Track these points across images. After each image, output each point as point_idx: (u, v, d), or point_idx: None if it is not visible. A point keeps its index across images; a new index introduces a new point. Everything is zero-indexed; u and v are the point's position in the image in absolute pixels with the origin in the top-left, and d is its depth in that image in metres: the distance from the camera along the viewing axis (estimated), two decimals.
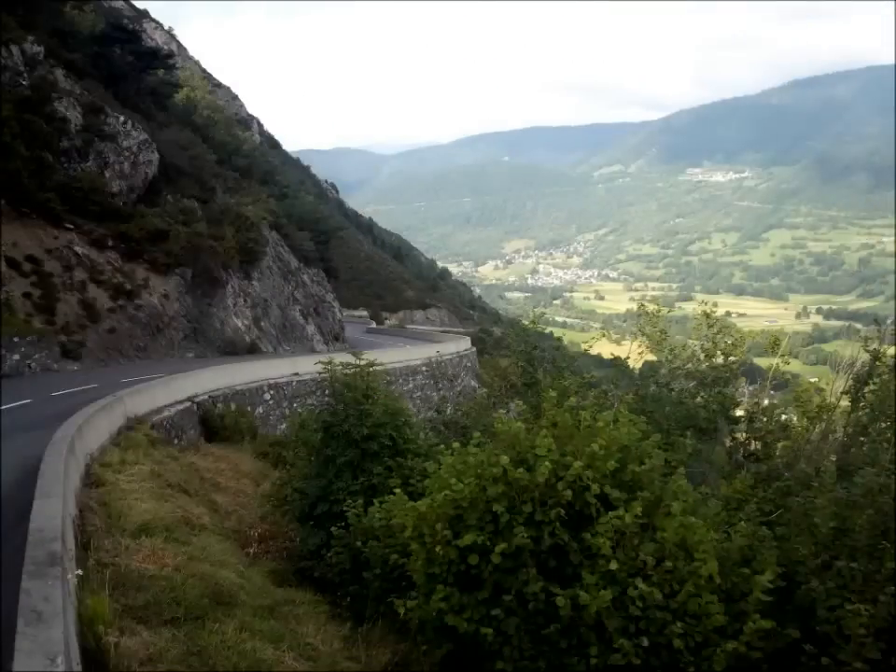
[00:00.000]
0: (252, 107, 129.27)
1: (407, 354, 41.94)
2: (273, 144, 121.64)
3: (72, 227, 30.21)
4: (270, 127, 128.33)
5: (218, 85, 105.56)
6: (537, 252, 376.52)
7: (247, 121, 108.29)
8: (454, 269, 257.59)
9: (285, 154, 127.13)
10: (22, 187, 27.70)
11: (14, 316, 24.52)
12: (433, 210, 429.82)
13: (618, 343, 32.08)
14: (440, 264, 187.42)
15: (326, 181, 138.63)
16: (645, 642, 5.41)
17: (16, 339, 23.40)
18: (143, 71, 52.72)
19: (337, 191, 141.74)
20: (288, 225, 58.63)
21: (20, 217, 27.87)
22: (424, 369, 37.95)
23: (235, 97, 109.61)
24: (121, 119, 37.12)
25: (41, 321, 26.04)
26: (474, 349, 54.31)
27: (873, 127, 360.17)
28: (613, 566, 5.56)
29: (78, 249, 29.95)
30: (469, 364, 50.03)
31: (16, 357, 23.24)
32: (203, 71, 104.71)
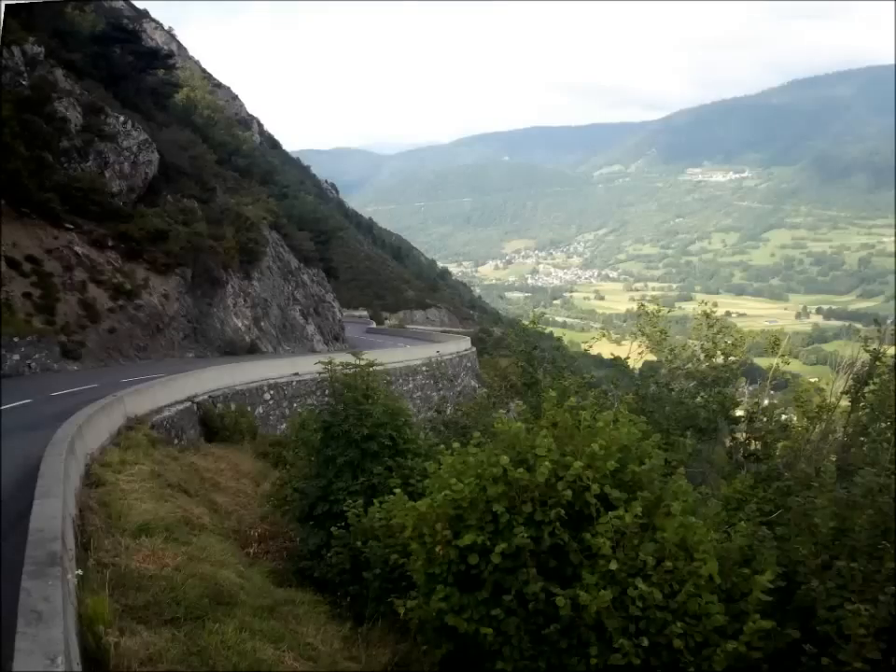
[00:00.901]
0: (252, 107, 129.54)
1: (407, 354, 41.91)
2: (273, 144, 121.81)
3: (72, 227, 30.20)
4: (270, 127, 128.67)
5: (218, 85, 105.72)
6: (537, 252, 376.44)
7: (247, 121, 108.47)
8: (454, 269, 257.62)
9: (285, 154, 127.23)
10: (22, 187, 27.67)
11: (14, 316, 24.51)
12: (433, 210, 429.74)
13: (618, 342, 31.93)
14: (440, 264, 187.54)
15: (326, 181, 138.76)
16: (645, 642, 5.41)
17: (16, 339, 23.39)
18: (143, 71, 52.78)
19: (337, 191, 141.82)
20: (288, 225, 58.62)
21: (20, 216, 27.85)
22: (424, 369, 37.88)
23: (235, 97, 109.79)
24: (121, 118, 37.10)
25: (41, 321, 26.03)
26: (474, 349, 54.30)
27: (873, 127, 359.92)
28: (613, 566, 5.56)
29: (78, 249, 29.95)
30: (468, 364, 50.03)
31: (16, 356, 23.23)
32: (203, 71, 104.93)
